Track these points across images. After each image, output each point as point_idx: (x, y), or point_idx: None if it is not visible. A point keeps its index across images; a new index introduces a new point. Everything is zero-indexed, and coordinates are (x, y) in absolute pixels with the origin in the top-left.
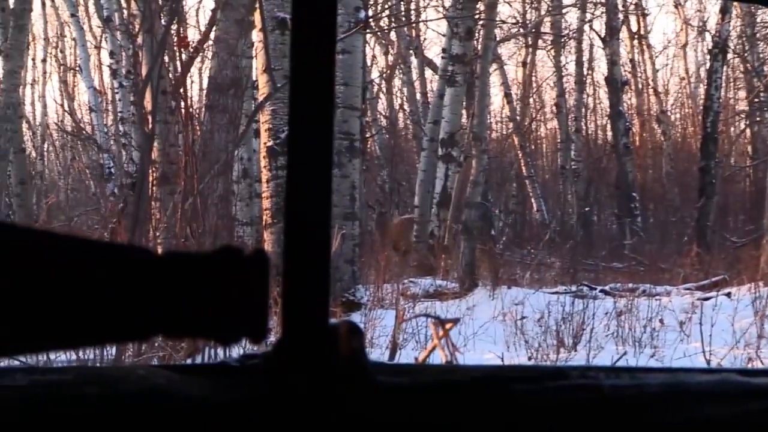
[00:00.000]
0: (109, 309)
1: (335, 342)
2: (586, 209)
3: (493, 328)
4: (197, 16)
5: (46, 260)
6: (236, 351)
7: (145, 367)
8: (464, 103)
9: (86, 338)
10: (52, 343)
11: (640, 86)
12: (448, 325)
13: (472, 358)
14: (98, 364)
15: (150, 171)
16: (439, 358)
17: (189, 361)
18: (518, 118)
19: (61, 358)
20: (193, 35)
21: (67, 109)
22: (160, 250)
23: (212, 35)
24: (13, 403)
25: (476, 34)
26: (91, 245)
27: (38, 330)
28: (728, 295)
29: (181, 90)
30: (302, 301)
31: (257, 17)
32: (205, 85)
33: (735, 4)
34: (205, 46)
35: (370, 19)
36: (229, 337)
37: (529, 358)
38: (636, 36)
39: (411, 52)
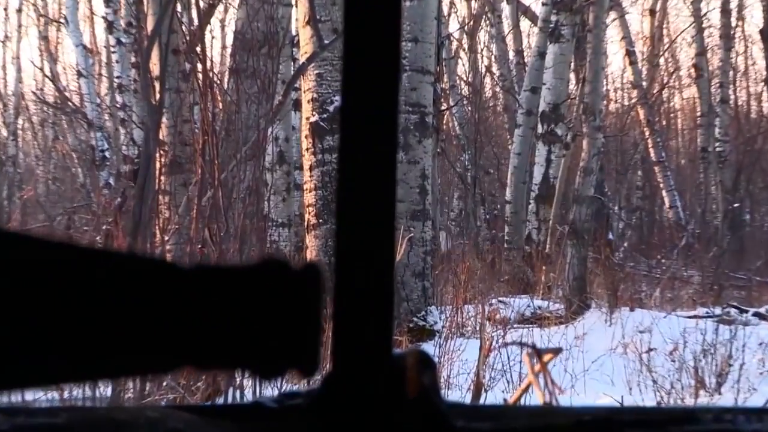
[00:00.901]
0: (126, 333)
1: (400, 377)
2: (735, 205)
3: (609, 364)
4: None
5: (46, 273)
6: (272, 389)
7: (156, 409)
8: (572, 64)
9: (98, 369)
10: (52, 375)
11: None
12: (546, 356)
13: (580, 402)
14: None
15: (157, 155)
16: (535, 398)
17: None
18: (644, 84)
19: (43, 398)
20: None
21: (48, 73)
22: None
23: None
24: None
25: None
26: (100, 255)
27: (34, 358)
28: None
29: (199, 49)
30: (358, 326)
31: None
32: (229, 42)
33: None
34: None
35: None
36: (272, 368)
37: (658, 404)
38: None
39: None
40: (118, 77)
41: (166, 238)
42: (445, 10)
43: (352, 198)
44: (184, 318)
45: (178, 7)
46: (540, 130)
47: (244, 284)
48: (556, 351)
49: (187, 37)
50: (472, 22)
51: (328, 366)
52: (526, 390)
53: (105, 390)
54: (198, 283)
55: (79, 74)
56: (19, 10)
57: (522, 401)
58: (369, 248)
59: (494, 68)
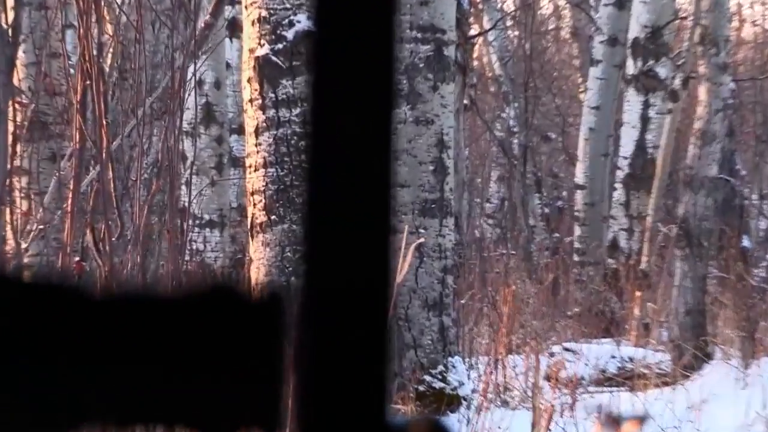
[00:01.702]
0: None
1: None
2: None
3: None
4: None
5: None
6: None
7: None
8: None
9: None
10: None
11: None
12: (629, 426)
13: None
14: None
15: (9, 111)
16: None
17: None
18: None
19: None
20: None
21: None
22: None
23: None
24: None
25: None
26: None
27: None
28: None
29: None
30: (334, 384)
31: None
32: None
33: None
34: None
35: None
36: (217, 428)
37: None
38: None
39: None
40: None
41: (24, 245)
42: None
43: (325, 181)
44: (89, 369)
45: None
46: (631, 69)
47: (178, 322)
48: (642, 419)
49: None
50: None
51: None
52: None
53: None
54: (111, 320)
55: None
56: None
57: None
58: (351, 264)
59: None
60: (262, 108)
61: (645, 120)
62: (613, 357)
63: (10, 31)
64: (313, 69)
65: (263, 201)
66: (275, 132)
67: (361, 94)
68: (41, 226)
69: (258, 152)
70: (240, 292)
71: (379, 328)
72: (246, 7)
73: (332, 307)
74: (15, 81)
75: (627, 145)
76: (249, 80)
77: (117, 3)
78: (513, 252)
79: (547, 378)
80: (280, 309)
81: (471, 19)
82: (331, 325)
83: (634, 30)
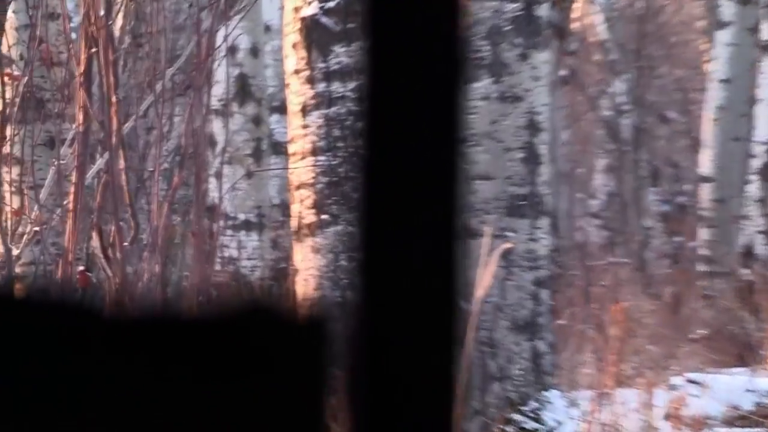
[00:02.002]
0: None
1: None
2: None
3: None
4: None
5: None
6: None
7: None
8: None
9: None
10: None
11: None
12: None
13: None
14: None
15: None
16: None
17: None
18: None
19: None
20: None
21: None
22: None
23: None
24: None
25: None
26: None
27: None
28: None
29: None
30: (391, 421)
31: None
32: None
33: None
34: None
35: None
36: None
37: None
38: None
39: None
40: None
41: (15, 251)
42: None
43: (387, 175)
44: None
45: None
46: (767, 34)
47: (205, 350)
48: None
49: None
50: None
51: None
52: None
53: None
54: (123, 347)
55: None
56: None
57: None
58: (418, 275)
59: None
60: (310, 81)
61: None
62: (749, 390)
63: None
64: (368, 32)
65: (312, 197)
66: (326, 111)
67: (429, 62)
68: (36, 228)
69: (305, 136)
70: (283, 312)
71: (446, 341)
72: None
73: (393, 328)
74: (4, 48)
75: (764, 128)
76: (294, 46)
77: None
78: (624, 260)
79: (666, 417)
80: (330, 332)
81: None
82: (391, 352)
83: None
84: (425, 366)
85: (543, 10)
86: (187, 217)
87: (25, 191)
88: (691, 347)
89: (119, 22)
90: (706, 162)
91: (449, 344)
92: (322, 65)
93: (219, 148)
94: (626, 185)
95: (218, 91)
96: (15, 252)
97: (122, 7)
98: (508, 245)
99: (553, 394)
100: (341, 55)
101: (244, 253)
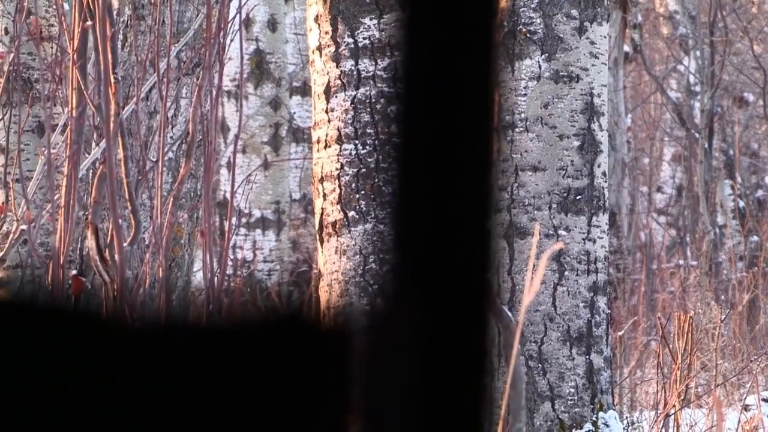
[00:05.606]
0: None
1: None
2: None
3: None
4: None
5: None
6: None
7: None
8: None
9: None
10: None
11: None
12: None
13: None
14: None
15: None
16: None
17: None
18: None
19: None
20: None
21: None
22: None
23: None
24: None
25: None
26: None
27: None
28: None
29: None
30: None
31: None
32: None
33: None
34: None
35: None
36: None
37: None
38: None
39: None
40: None
41: (0, 252)
42: None
43: (425, 166)
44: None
45: None
46: None
47: (214, 365)
48: None
49: None
50: None
51: None
52: None
53: None
54: (121, 361)
55: None
56: None
57: None
58: (460, 281)
59: None
60: (336, 59)
61: None
62: None
63: None
64: (404, 0)
65: (337, 191)
66: (354, 92)
67: (475, 35)
68: (23, 227)
69: (330, 121)
70: (304, 325)
71: (476, 355)
72: None
73: (429, 341)
74: None
75: None
76: (317, 18)
77: None
78: (693, 263)
79: None
80: (355, 346)
81: None
82: (424, 370)
83: None
84: (451, 377)
85: None
86: (195, 213)
87: (10, 184)
88: None
89: None
90: None
91: (477, 355)
92: (349, 40)
93: (231, 135)
94: (697, 177)
95: (231, 69)
96: None
97: None
98: (560, 245)
99: (610, 416)
100: (372, 28)
101: (260, 254)
